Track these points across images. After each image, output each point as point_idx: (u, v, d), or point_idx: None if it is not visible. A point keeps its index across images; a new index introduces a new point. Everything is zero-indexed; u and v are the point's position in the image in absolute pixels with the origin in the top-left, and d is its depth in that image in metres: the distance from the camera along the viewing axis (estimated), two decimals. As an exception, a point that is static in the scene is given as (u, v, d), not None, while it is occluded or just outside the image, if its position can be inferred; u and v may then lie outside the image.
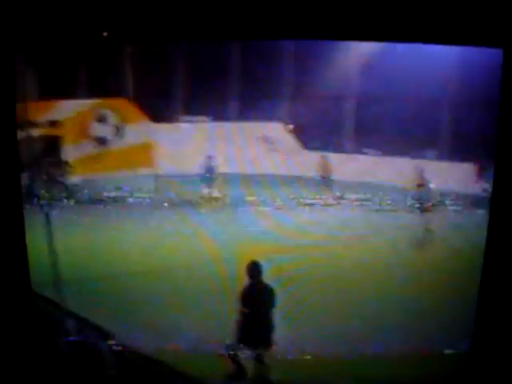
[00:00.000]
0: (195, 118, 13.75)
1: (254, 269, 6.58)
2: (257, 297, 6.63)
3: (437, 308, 7.92)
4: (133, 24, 7.03)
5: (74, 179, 13.18)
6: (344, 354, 6.81)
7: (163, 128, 13.84)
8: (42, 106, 13.33)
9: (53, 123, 13.33)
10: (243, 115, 13.71)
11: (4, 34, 5.87)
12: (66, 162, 13.27)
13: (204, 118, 13.74)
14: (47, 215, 8.19)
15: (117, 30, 7.41)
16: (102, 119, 13.51)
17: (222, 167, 13.06)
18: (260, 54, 12.51)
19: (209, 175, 12.40)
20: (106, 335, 6.54)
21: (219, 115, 13.68)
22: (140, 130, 13.65)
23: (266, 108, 13.17)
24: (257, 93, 12.96)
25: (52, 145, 13.69)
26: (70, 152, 13.48)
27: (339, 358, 6.75)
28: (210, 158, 12.42)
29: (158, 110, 13.60)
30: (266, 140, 13.32)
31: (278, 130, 13.75)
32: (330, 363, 6.67)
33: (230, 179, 12.55)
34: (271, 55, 12.81)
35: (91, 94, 13.47)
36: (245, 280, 6.62)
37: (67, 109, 13.40)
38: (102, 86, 12.96)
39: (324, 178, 12.20)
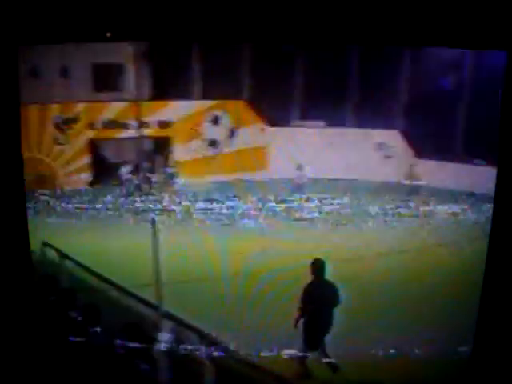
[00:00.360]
0: (310, 123, 13.57)
1: (319, 267, 6.48)
2: (320, 295, 6.52)
3: (439, 311, 7.50)
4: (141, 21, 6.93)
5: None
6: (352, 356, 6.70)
7: (278, 132, 13.71)
8: (155, 105, 13.58)
9: (164, 123, 13.68)
10: (359, 121, 13.42)
11: (8, 31, 5.84)
12: (174, 163, 13.41)
13: (319, 122, 13.53)
14: (153, 221, 8.16)
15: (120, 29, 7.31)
16: (216, 121, 13.56)
17: (335, 174, 12.80)
18: (379, 60, 12.24)
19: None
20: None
21: (335, 121, 13.44)
22: (254, 133, 13.59)
23: (384, 115, 12.84)
24: (374, 99, 12.65)
25: (162, 145, 13.99)
26: (179, 153, 13.62)
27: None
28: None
29: (274, 113, 13.51)
30: (382, 147, 12.96)
31: (394, 138, 13.35)
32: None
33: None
34: (390, 61, 12.51)
35: (206, 96, 13.54)
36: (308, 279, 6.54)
37: (181, 109, 13.59)
38: (218, 88, 13.01)
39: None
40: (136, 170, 13.27)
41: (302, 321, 6.41)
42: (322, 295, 6.47)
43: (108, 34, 7.46)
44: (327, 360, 6.64)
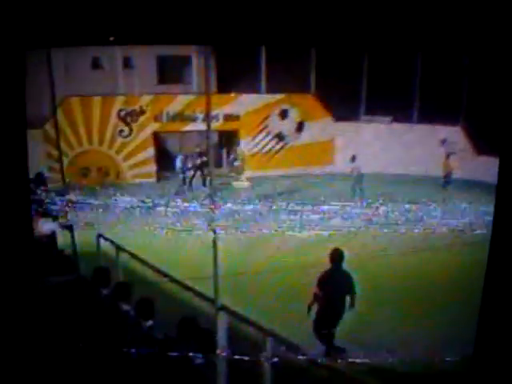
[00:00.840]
0: (377, 118, 13.69)
1: (338, 255, 6.83)
2: (336, 282, 6.89)
3: (439, 313, 7.74)
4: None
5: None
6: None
7: (345, 126, 13.85)
8: (223, 98, 13.74)
9: (232, 117, 13.83)
10: (423, 117, 13.55)
11: (15, 34, 5.89)
12: (242, 156, 13.61)
13: (386, 118, 13.65)
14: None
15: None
16: (283, 115, 13.68)
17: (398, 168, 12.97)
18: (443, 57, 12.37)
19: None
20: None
21: (400, 116, 13.57)
22: (321, 127, 13.73)
23: (447, 111, 12.95)
24: (438, 95, 12.77)
25: (228, 139, 14.25)
26: (246, 146, 13.84)
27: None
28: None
29: (341, 107, 13.61)
30: (445, 143, 13.09)
31: (457, 134, 13.50)
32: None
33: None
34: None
35: (273, 89, 13.62)
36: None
37: (248, 103, 13.67)
38: (285, 82, 13.07)
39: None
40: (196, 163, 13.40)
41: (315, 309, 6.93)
42: (338, 283, 6.92)
43: (111, 38, 7.49)
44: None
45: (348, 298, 6.88)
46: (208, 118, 12.00)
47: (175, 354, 6.06)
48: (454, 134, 13.44)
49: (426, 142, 13.22)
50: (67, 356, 6.19)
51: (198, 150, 13.67)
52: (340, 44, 10.50)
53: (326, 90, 13.29)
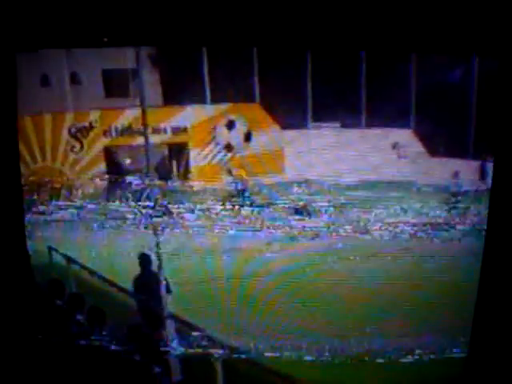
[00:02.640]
0: (325, 124, 13.87)
1: (145, 259, 7.57)
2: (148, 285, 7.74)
3: (434, 310, 7.84)
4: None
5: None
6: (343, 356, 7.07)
7: (292, 134, 14.04)
8: (170, 111, 13.98)
9: (178, 129, 14.02)
10: (372, 121, 13.71)
11: (5, 36, 6.08)
12: (188, 169, 13.85)
13: (334, 123, 13.83)
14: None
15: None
16: (230, 125, 13.89)
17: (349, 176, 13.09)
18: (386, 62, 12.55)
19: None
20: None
21: (348, 121, 13.74)
22: (269, 136, 13.93)
23: (396, 114, 13.10)
24: (385, 98, 12.93)
25: (177, 151, 14.37)
26: (195, 158, 14.01)
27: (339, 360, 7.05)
28: None
29: (287, 116, 13.81)
30: (396, 147, 13.25)
31: (407, 137, 13.65)
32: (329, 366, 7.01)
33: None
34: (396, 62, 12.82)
35: (219, 99, 13.84)
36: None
37: (195, 114, 13.86)
38: (231, 92, 13.29)
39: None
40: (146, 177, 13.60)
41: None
42: (150, 285, 7.42)
43: (105, 39, 7.72)
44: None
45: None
46: (155, 131, 12.26)
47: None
48: (406, 138, 13.58)
49: (377, 147, 13.37)
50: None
51: (149, 164, 13.97)
52: (282, 45, 10.73)
53: (271, 99, 13.51)
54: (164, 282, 7.93)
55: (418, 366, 7.16)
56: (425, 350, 7.23)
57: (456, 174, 12.70)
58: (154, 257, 8.27)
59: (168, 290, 7.97)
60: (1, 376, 6.35)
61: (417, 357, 7.20)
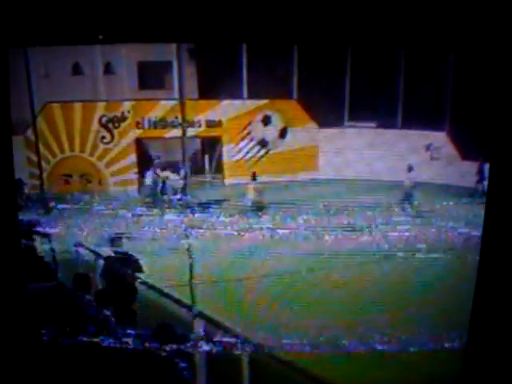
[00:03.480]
0: (361, 124, 14.04)
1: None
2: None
3: (432, 305, 8.11)
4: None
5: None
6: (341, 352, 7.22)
7: (329, 132, 14.23)
8: (205, 104, 14.06)
9: (213, 123, 14.15)
10: (408, 123, 13.92)
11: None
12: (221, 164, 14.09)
13: (370, 123, 14.00)
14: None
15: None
16: (266, 121, 14.01)
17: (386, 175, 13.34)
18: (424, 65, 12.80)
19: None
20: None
21: (385, 122, 13.94)
22: (306, 133, 14.09)
23: (431, 117, 13.33)
24: (422, 100, 13.15)
25: (211, 145, 14.59)
26: (229, 153, 14.26)
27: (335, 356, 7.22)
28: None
29: (325, 113, 13.98)
30: (429, 149, 13.44)
31: (441, 140, 13.87)
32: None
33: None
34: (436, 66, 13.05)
35: (256, 95, 13.96)
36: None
37: (231, 109, 13.90)
38: (268, 87, 13.40)
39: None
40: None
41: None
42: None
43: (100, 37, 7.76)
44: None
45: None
46: (183, 125, 12.32)
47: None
48: (440, 139, 13.83)
49: (412, 148, 13.62)
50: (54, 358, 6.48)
51: (157, 161, 14.03)
52: (322, 43, 10.84)
53: (309, 96, 13.64)
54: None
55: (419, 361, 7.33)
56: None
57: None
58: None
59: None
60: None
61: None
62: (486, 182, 12.47)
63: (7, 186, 6.67)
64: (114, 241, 8.84)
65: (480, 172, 12.80)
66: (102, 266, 8.37)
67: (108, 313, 7.07)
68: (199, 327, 7.35)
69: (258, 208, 11.19)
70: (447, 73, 13.60)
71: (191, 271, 8.54)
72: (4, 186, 6.58)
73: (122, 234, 9.10)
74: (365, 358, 7.42)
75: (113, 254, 8.45)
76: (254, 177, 11.41)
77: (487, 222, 6.59)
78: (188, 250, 9.05)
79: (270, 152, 14.14)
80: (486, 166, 12.53)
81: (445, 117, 13.98)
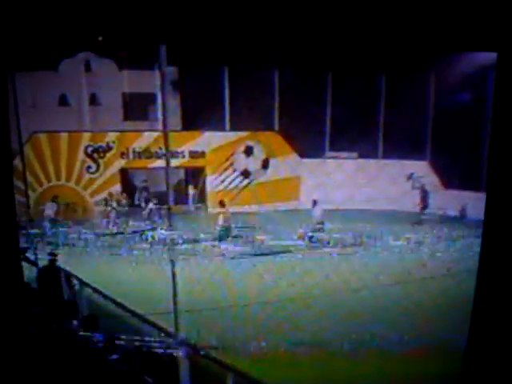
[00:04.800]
0: (342, 154, 14.54)
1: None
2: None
3: (432, 309, 8.50)
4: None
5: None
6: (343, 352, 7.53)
7: (310, 163, 14.74)
8: (189, 135, 14.51)
9: (196, 154, 14.59)
10: (388, 153, 14.42)
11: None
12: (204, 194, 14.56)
13: (351, 154, 14.50)
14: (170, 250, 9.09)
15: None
16: (249, 152, 14.49)
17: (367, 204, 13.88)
18: (407, 89, 13.36)
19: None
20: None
21: (365, 152, 14.44)
22: (287, 164, 14.59)
23: (411, 146, 13.80)
24: (402, 130, 13.65)
25: (194, 175, 15.05)
26: (212, 183, 14.66)
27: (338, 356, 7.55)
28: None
29: (306, 144, 14.49)
30: (411, 178, 13.89)
31: (423, 169, 14.33)
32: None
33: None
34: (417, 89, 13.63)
35: (238, 127, 14.46)
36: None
37: (214, 140, 14.36)
38: (250, 119, 13.84)
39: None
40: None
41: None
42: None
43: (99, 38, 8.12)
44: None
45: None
46: (173, 155, 12.79)
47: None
48: (421, 169, 14.35)
49: (393, 177, 14.14)
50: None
51: (143, 184, 14.56)
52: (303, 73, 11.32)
53: (290, 127, 14.15)
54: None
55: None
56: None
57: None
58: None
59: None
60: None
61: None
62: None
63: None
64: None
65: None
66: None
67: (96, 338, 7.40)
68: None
69: (227, 233, 11.66)
70: (427, 103, 14.27)
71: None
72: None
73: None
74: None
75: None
76: (222, 204, 11.81)
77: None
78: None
79: (253, 182, 14.61)
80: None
81: (426, 146, 14.57)
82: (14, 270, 6.93)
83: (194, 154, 14.40)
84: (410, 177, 14.01)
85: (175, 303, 7.62)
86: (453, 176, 14.00)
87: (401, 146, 13.76)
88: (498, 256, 6.42)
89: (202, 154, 14.42)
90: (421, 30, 7.29)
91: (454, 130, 13.40)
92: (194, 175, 14.72)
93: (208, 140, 14.28)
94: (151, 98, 14.13)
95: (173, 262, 7.90)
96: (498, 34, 6.10)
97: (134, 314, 8.32)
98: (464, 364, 6.31)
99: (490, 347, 6.35)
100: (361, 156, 14.50)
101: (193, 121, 14.26)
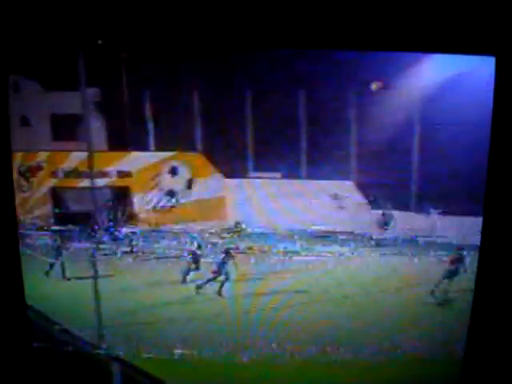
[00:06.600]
0: (266, 175, 14.72)
1: None
2: None
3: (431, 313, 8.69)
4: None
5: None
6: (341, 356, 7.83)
7: (234, 183, 14.96)
8: (113, 156, 14.94)
9: (122, 174, 15.00)
10: (314, 173, 14.51)
11: None
12: (132, 213, 14.89)
13: (275, 174, 14.66)
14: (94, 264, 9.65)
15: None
16: (173, 172, 14.80)
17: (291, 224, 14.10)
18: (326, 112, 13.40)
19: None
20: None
21: (290, 172, 14.58)
22: (211, 184, 14.86)
23: (337, 166, 13.86)
24: (327, 151, 13.71)
25: (120, 195, 15.50)
26: (139, 202, 15.00)
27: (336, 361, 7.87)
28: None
29: (229, 165, 14.69)
30: (336, 198, 14.04)
31: (347, 189, 14.43)
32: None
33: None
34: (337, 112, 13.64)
35: (162, 147, 14.75)
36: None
37: (140, 160, 14.80)
38: (174, 140, 14.16)
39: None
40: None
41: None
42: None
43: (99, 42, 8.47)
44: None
45: None
46: (101, 175, 13.18)
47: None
48: (346, 189, 14.42)
49: (318, 197, 14.26)
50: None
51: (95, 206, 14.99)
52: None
53: (212, 148, 14.41)
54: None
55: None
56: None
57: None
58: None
59: None
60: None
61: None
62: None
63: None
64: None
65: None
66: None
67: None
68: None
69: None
70: (350, 121, 14.24)
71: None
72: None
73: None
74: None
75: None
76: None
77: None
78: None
79: (180, 202, 14.94)
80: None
81: (350, 166, 14.58)
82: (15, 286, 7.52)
83: (120, 174, 14.72)
84: (334, 197, 14.10)
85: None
86: (378, 196, 14.06)
87: (325, 166, 13.83)
88: (496, 258, 6.61)
89: (129, 174, 14.73)
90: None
91: (379, 148, 13.42)
92: (122, 195, 15.06)
93: (134, 160, 14.58)
94: (77, 118, 14.46)
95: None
96: (496, 37, 6.25)
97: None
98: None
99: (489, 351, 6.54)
100: (284, 176, 14.60)
101: (119, 141, 14.55)
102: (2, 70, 7.42)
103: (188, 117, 14.39)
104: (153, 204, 14.88)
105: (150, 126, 14.67)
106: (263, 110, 13.94)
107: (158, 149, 14.83)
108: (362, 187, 14.53)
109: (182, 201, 14.98)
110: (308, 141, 14.13)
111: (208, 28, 7.33)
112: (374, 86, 12.93)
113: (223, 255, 12.73)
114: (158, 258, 12.40)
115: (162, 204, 14.95)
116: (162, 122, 14.31)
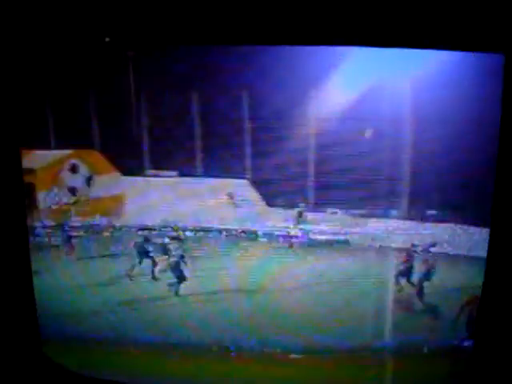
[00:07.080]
0: (162, 173, 14.85)
1: None
2: None
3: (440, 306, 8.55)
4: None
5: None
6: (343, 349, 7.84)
7: (131, 181, 15.11)
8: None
9: (28, 171, 15.11)
10: (210, 171, 14.51)
11: None
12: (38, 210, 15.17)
13: (171, 172, 14.76)
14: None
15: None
16: (74, 169, 15.07)
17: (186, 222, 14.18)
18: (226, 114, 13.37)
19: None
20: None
21: (186, 170, 14.63)
22: (109, 181, 15.06)
23: (233, 164, 13.84)
24: (224, 149, 13.70)
25: (27, 192, 15.60)
26: (43, 199, 15.25)
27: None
28: None
29: (126, 162, 14.84)
30: (231, 196, 14.07)
31: (243, 187, 14.40)
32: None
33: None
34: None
35: (62, 145, 14.98)
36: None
37: (42, 158, 15.16)
38: (73, 138, 14.37)
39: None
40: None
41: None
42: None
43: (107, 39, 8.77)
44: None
45: None
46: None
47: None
48: (241, 187, 14.38)
49: (215, 196, 14.28)
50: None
51: None
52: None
53: (109, 146, 14.56)
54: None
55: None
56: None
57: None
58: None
59: None
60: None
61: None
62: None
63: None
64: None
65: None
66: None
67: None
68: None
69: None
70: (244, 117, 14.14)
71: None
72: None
73: None
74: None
75: None
76: None
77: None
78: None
79: (81, 199, 15.17)
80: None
81: (246, 163, 14.49)
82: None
83: (25, 172, 14.99)
84: (231, 196, 14.10)
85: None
86: (275, 194, 13.97)
87: (221, 164, 13.83)
88: (504, 256, 6.74)
89: (33, 171, 15.01)
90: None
91: (274, 146, 13.33)
92: (27, 192, 15.34)
93: (37, 158, 14.86)
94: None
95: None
96: (505, 34, 6.34)
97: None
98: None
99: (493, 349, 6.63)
100: (181, 174, 14.67)
101: (20, 139, 14.80)
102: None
103: (84, 115, 14.55)
104: (55, 201, 15.13)
105: (50, 122, 14.92)
106: (158, 108, 14.02)
107: (58, 147, 15.06)
108: (259, 185, 14.47)
109: (83, 198, 15.20)
110: (204, 138, 14.19)
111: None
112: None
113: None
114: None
115: (64, 201, 15.19)
116: (60, 120, 14.50)
